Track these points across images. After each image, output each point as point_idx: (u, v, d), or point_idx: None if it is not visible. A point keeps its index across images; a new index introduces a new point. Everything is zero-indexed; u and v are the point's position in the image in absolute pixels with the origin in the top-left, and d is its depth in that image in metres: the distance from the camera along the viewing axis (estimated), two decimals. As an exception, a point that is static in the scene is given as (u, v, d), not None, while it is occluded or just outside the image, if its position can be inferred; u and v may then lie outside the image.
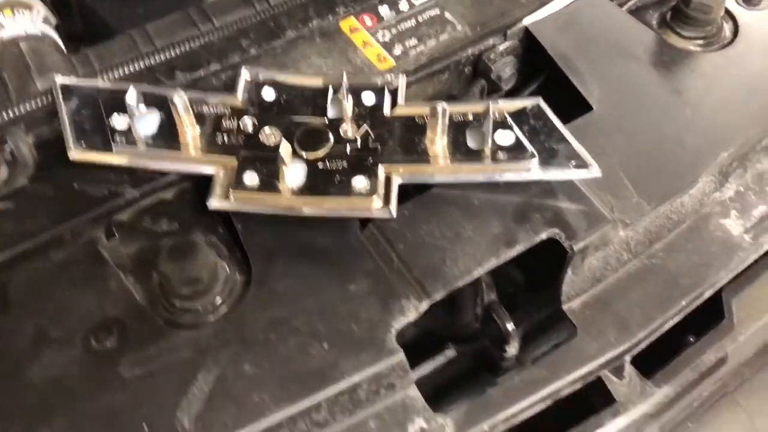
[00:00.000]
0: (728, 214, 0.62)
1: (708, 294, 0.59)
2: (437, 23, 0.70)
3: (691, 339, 0.62)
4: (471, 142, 0.58)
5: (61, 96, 0.61)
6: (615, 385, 0.58)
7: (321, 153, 0.58)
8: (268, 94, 0.62)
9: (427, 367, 0.57)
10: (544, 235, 0.55)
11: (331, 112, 0.61)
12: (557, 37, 0.69)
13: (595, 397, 0.58)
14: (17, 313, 0.53)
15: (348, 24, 0.70)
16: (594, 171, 0.57)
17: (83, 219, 0.57)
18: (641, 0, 0.74)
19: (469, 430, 0.52)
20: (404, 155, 0.58)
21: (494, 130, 0.57)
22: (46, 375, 0.50)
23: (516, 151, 0.57)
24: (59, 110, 0.61)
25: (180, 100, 0.57)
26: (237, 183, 0.56)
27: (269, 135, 0.59)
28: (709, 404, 0.63)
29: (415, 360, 0.54)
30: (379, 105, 0.62)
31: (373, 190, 0.56)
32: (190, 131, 0.59)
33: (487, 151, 0.57)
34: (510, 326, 0.55)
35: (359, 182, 0.56)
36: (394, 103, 0.62)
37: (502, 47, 0.69)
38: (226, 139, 0.59)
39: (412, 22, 0.70)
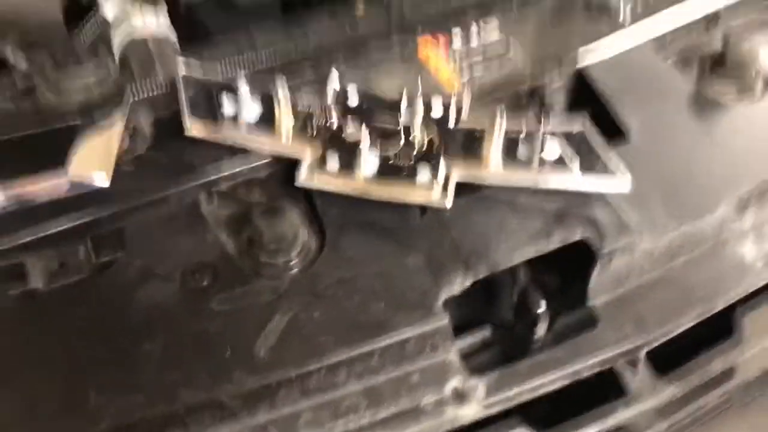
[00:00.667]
0: (744, 241, 0.70)
1: (720, 306, 0.66)
2: (502, 56, 0.81)
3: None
4: (522, 153, 0.68)
5: (182, 84, 0.73)
6: (629, 378, 0.65)
7: (392, 151, 0.69)
8: (353, 100, 0.73)
9: (467, 340, 0.66)
10: (577, 236, 0.64)
11: (403, 120, 0.72)
12: (606, 79, 0.79)
13: (609, 389, 0.65)
14: (130, 251, 0.64)
15: (424, 51, 0.81)
16: (625, 186, 0.65)
17: (189, 184, 0.69)
18: (685, 53, 0.83)
19: (497, 393, 0.60)
20: (463, 159, 0.68)
21: (542, 144, 0.67)
22: (150, 302, 0.61)
23: (559, 164, 0.67)
24: (179, 95, 0.73)
25: (282, 95, 0.69)
26: (321, 167, 0.67)
27: (351, 133, 0.70)
28: (716, 413, 0.70)
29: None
30: (445, 118, 0.72)
31: (433, 184, 0.66)
32: (286, 122, 0.70)
33: (535, 161, 0.67)
34: (541, 309, 0.63)
35: (423, 176, 0.66)
36: (458, 119, 0.72)
37: (556, 84, 0.80)
38: (315, 132, 0.70)
39: (480, 53, 0.81)
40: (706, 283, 0.67)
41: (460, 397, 0.58)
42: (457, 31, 0.82)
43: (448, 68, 0.79)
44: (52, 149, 0.67)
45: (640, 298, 0.66)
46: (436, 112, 0.73)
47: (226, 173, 0.70)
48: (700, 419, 0.69)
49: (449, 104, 0.73)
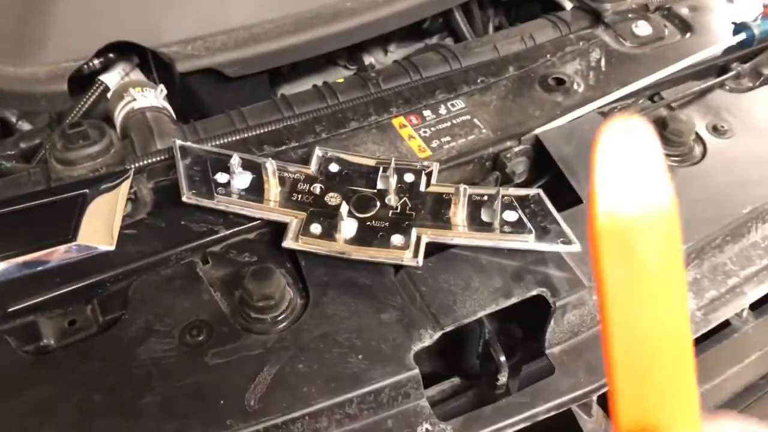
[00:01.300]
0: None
1: (663, 354, 0.74)
2: (467, 126, 0.90)
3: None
4: (484, 216, 0.76)
5: (179, 154, 0.81)
6: (584, 421, 0.72)
7: (369, 214, 0.77)
8: (334, 167, 0.81)
9: (436, 389, 0.73)
10: (534, 292, 0.72)
11: (379, 185, 0.80)
12: (561, 145, 0.88)
13: (568, 430, 0.73)
14: (133, 310, 0.71)
15: (398, 121, 0.90)
16: (576, 247, 0.74)
17: (186, 247, 0.76)
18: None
19: (464, 436, 0.67)
20: (432, 221, 0.76)
21: (503, 210, 0.75)
22: (151, 356, 0.67)
23: (518, 227, 0.75)
24: (177, 164, 0.80)
25: (270, 166, 0.77)
26: (305, 230, 0.75)
27: (332, 198, 0.78)
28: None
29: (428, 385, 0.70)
30: (416, 183, 0.80)
31: (406, 245, 0.73)
32: (273, 189, 0.78)
33: (496, 224, 0.75)
34: (503, 359, 0.70)
35: (396, 238, 0.74)
36: (428, 183, 0.80)
37: (516, 149, 0.88)
38: (299, 197, 0.78)
39: (447, 124, 0.90)
40: (650, 332, 0.74)
41: (431, 440, 0.65)
42: (427, 104, 0.91)
43: (418, 138, 0.88)
44: (61, 217, 0.74)
45: (591, 346, 0.73)
46: (409, 178, 0.81)
47: (219, 236, 0.77)
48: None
49: (420, 170, 0.82)
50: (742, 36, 1.01)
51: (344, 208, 0.74)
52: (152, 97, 0.93)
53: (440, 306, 0.70)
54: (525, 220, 0.75)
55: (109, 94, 0.99)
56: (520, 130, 0.89)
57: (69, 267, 0.72)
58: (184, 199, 0.78)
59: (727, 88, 0.98)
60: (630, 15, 1.08)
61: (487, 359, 0.73)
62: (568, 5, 1.18)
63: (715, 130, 0.90)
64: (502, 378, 0.71)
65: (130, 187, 0.80)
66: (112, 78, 1.02)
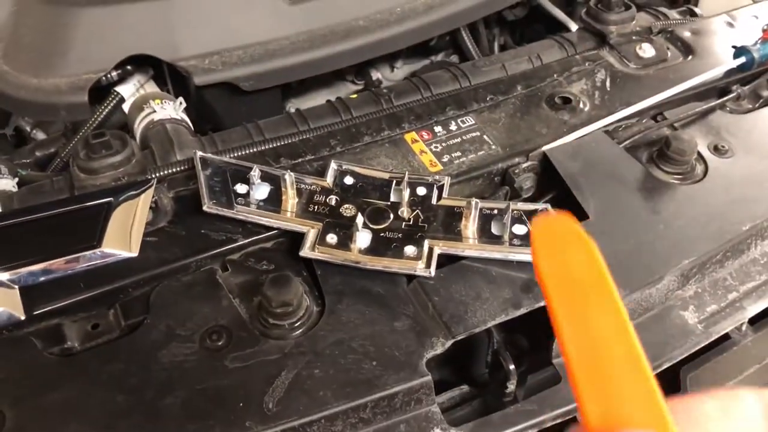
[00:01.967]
0: (687, 307, 0.80)
1: (665, 366, 0.76)
2: (477, 142, 0.93)
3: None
4: (494, 229, 0.79)
5: (200, 165, 0.84)
6: (589, 428, 0.75)
7: (383, 226, 0.80)
8: (349, 180, 0.84)
9: (446, 396, 0.75)
10: (542, 303, 0.74)
11: (393, 198, 0.83)
12: (567, 162, 0.91)
13: (573, 437, 0.75)
14: (154, 314, 0.73)
15: (410, 136, 0.93)
16: (583, 260, 0.76)
17: (206, 255, 0.78)
18: (635, 141, 0.96)
19: (474, 441, 0.69)
20: (444, 233, 0.79)
21: (512, 223, 0.78)
22: (172, 359, 0.70)
23: (527, 240, 0.77)
24: (198, 175, 0.83)
25: (289, 178, 0.79)
26: (321, 240, 0.77)
27: (347, 209, 0.81)
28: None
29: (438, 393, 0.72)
30: (428, 196, 0.83)
31: (419, 256, 0.76)
32: (291, 201, 0.81)
33: (506, 237, 0.77)
34: (512, 367, 0.73)
35: (409, 249, 0.77)
36: (440, 196, 0.83)
37: (524, 165, 0.91)
38: (316, 209, 0.81)
39: (458, 139, 0.93)
40: (653, 345, 0.77)
41: (442, 445, 0.68)
42: (438, 120, 0.94)
43: (430, 152, 0.91)
44: (87, 224, 0.77)
45: (596, 357, 0.76)
46: (421, 191, 0.84)
47: (238, 244, 0.80)
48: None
49: (432, 184, 0.84)
50: (742, 59, 1.04)
51: (359, 220, 0.77)
52: (171, 110, 0.96)
53: (452, 315, 0.73)
54: (533, 233, 0.78)
55: (126, 105, 1.02)
56: (528, 147, 0.92)
57: (93, 272, 0.74)
58: (205, 208, 0.80)
59: (728, 109, 1.02)
60: (634, 37, 1.12)
61: (496, 368, 0.75)
62: (573, 26, 1.22)
63: (716, 149, 0.94)
64: (511, 386, 0.74)
65: (152, 196, 0.83)
66: (127, 89, 1.05)
